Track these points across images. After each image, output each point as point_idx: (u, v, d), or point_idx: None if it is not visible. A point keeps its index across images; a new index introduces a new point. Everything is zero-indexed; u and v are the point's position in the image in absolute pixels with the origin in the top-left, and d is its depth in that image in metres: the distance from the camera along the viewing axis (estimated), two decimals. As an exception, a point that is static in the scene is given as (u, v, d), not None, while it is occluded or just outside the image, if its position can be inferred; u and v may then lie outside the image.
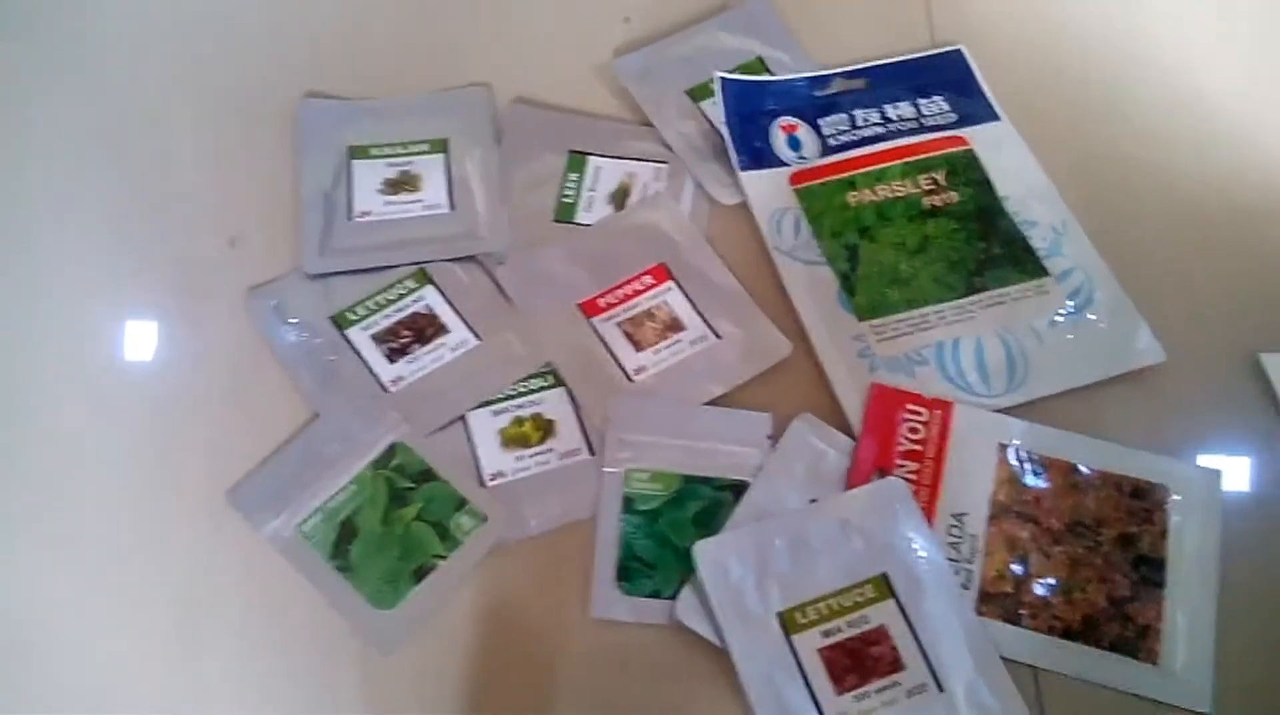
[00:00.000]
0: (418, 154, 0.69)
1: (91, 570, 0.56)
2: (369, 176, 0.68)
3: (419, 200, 0.67)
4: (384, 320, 0.63)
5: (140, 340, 0.63)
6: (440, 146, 0.70)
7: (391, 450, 0.58)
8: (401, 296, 0.64)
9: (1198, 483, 0.59)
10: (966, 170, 0.70)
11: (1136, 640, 0.55)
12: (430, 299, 0.64)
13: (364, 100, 0.72)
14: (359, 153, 0.69)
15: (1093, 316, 0.65)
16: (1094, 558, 0.57)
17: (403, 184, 0.68)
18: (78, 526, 0.57)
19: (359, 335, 0.62)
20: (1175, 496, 0.59)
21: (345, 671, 0.53)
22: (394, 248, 0.65)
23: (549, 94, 0.74)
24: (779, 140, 0.72)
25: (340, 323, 0.63)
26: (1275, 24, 0.77)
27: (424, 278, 0.65)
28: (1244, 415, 0.62)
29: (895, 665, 0.53)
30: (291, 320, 0.63)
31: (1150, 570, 0.57)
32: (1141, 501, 0.59)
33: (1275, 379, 0.63)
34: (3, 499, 0.58)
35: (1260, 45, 0.76)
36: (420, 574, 0.55)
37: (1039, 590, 0.56)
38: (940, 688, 0.53)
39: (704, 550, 0.55)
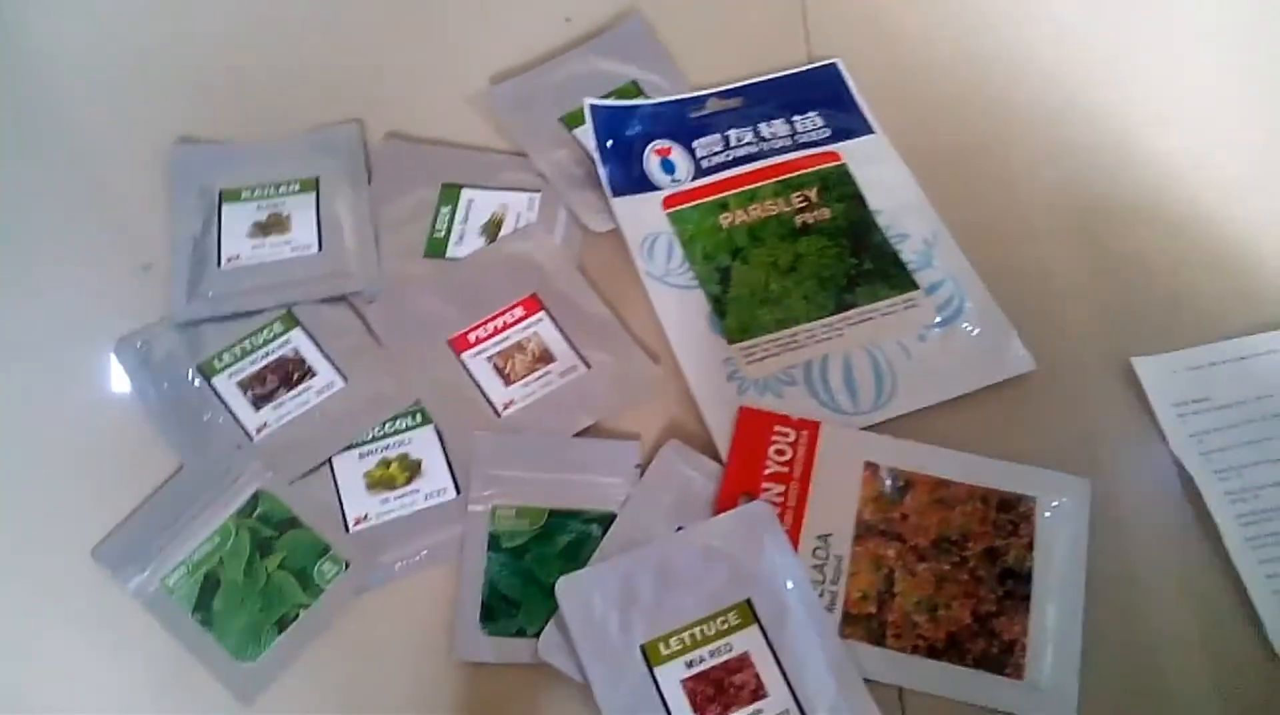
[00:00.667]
0: (288, 194, 0.69)
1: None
2: (239, 220, 0.68)
3: (288, 242, 0.67)
4: (250, 366, 0.63)
5: (3, 388, 0.63)
6: (311, 186, 0.70)
7: (255, 499, 0.58)
8: (268, 341, 0.64)
9: (1066, 492, 0.59)
10: (838, 185, 0.71)
11: (1002, 656, 0.55)
12: (298, 342, 0.64)
13: (236, 144, 0.72)
14: (229, 196, 0.69)
15: (964, 327, 0.65)
16: (960, 574, 0.57)
17: (272, 226, 0.68)
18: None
19: (225, 383, 0.62)
20: (1043, 507, 0.59)
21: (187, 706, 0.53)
22: (262, 291, 0.65)
23: (424, 127, 0.74)
24: (653, 164, 0.72)
25: (207, 371, 0.63)
26: (1144, 29, 0.77)
27: (291, 320, 0.64)
28: (1116, 421, 0.62)
29: (758, 693, 0.54)
30: (159, 369, 0.63)
31: (1016, 584, 0.57)
32: (1008, 514, 0.59)
33: (1146, 383, 0.63)
34: None
35: (1131, 48, 0.76)
36: (282, 624, 0.55)
37: (903, 609, 0.56)
38: (803, 713, 0.53)
39: (566, 586, 0.55)
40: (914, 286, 0.67)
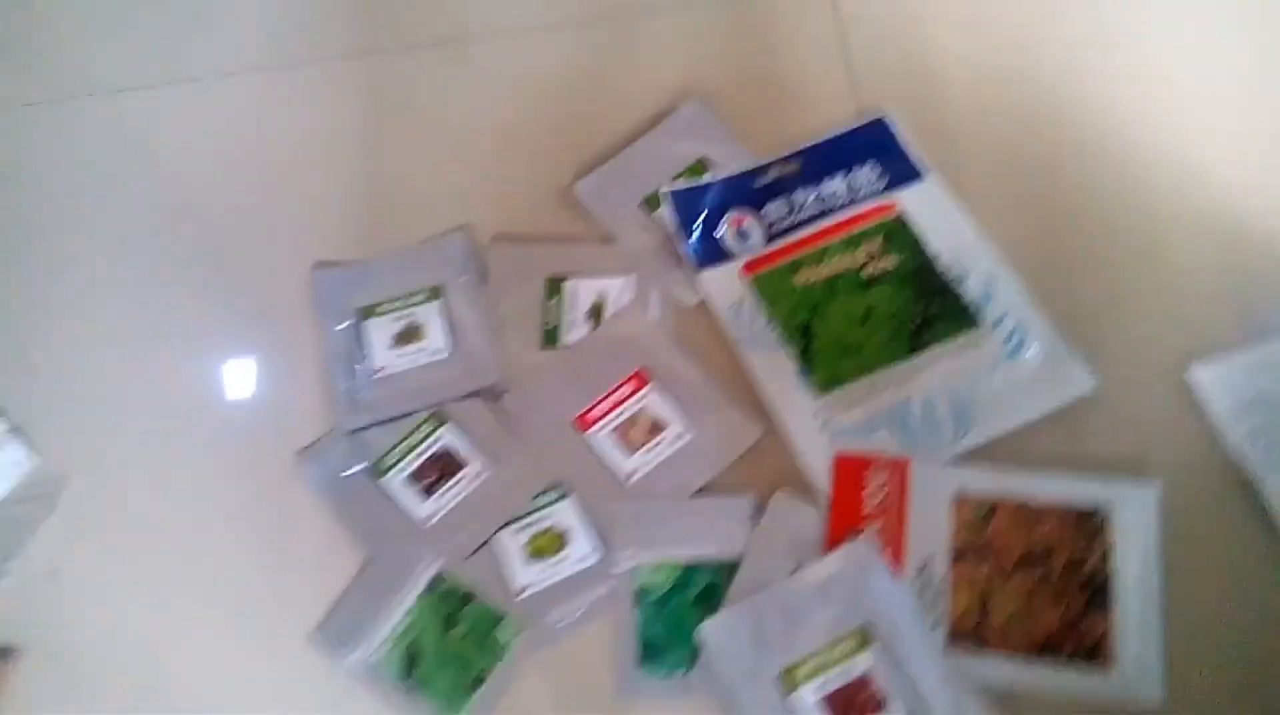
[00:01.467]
0: (417, 304, 0.79)
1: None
2: (379, 333, 0.79)
3: (423, 348, 0.78)
4: (413, 463, 0.74)
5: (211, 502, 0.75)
6: (436, 293, 0.80)
7: (437, 579, 0.69)
8: (424, 439, 0.74)
9: (1136, 498, 0.67)
10: (898, 235, 0.78)
11: (1092, 651, 0.64)
12: (447, 438, 0.74)
13: (364, 262, 0.82)
14: (368, 313, 0.79)
15: (1027, 356, 0.73)
16: (1047, 584, 0.66)
17: (409, 336, 0.78)
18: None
19: (394, 481, 0.73)
20: (1117, 515, 0.67)
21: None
22: (410, 395, 0.76)
23: (523, 225, 0.83)
24: (729, 235, 0.80)
25: (378, 473, 0.73)
26: (1187, 55, 0.83)
27: (439, 419, 0.75)
28: (1179, 427, 0.70)
29: (880, 706, 0.63)
30: (338, 474, 0.74)
31: (1098, 587, 0.65)
32: (1085, 526, 0.67)
33: (1203, 388, 0.70)
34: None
35: (1171, 75, 0.82)
36: (476, 684, 0.66)
37: (1000, 621, 0.65)
38: (920, 721, 0.62)
39: (707, 631, 0.65)
40: (977, 324, 0.74)
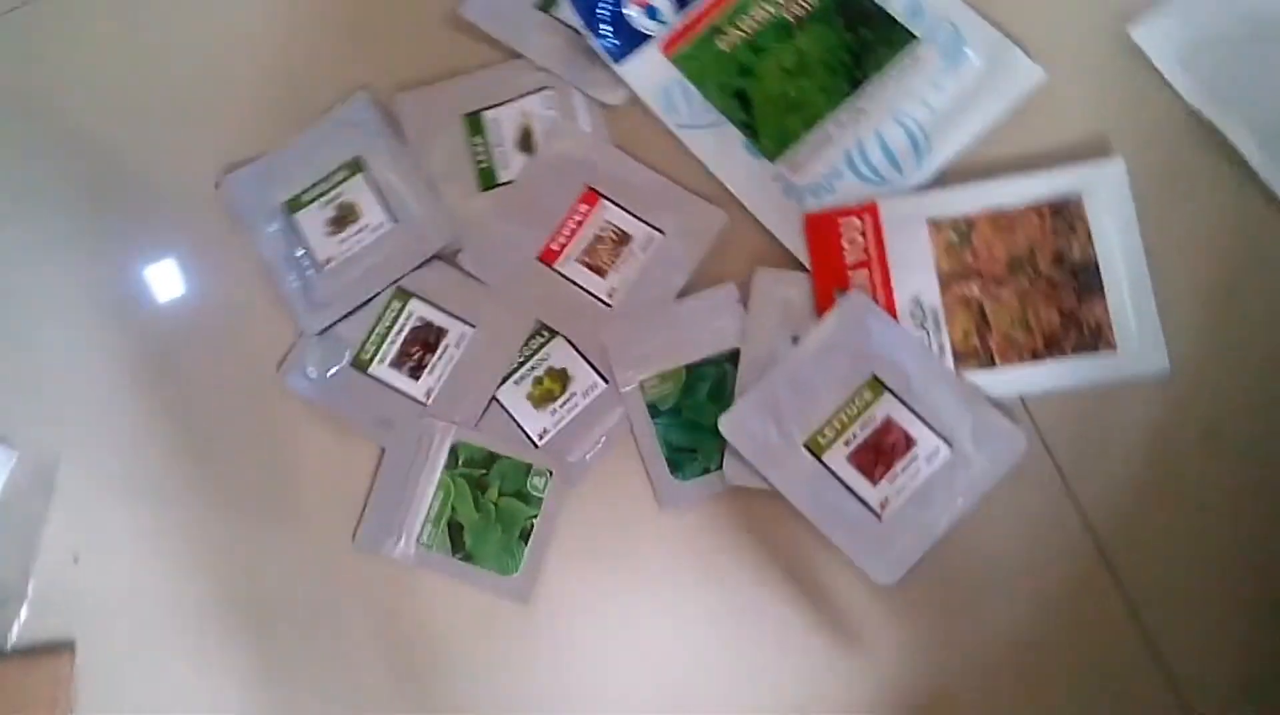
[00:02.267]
0: (341, 182, 0.75)
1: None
2: (313, 223, 0.75)
3: (364, 227, 0.74)
4: (393, 346, 0.72)
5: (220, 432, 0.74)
6: (357, 166, 0.75)
7: (455, 451, 0.69)
8: (395, 319, 0.73)
9: (1104, 179, 0.67)
10: (811, -33, 0.74)
11: (1094, 337, 0.65)
12: (419, 310, 0.72)
13: (272, 153, 0.77)
14: (294, 206, 0.76)
15: (969, 60, 0.70)
16: (1038, 284, 0.66)
17: (344, 218, 0.75)
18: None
19: (380, 369, 0.72)
20: (1089, 200, 0.66)
21: (501, 624, 0.67)
22: (366, 280, 0.73)
23: (423, 67, 0.77)
24: (636, 16, 0.75)
25: (361, 365, 0.72)
26: None
27: (404, 294, 0.73)
28: (1131, 94, 0.68)
29: (909, 444, 0.65)
30: (325, 378, 0.72)
31: (1087, 274, 0.66)
32: (1061, 217, 0.67)
33: (1149, 50, 0.68)
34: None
35: None
36: (525, 535, 0.68)
37: (1001, 332, 0.66)
38: (950, 445, 0.64)
39: (727, 423, 0.66)
40: (913, 37, 0.71)
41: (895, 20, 0.71)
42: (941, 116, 0.70)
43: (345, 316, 0.73)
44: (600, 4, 0.75)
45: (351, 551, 0.69)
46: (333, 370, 0.73)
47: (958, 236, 0.68)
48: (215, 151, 0.77)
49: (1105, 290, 0.65)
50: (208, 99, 0.79)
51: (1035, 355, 0.65)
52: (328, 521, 0.70)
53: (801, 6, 0.73)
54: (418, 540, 0.69)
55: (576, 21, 0.75)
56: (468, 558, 0.68)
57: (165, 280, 0.77)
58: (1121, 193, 0.66)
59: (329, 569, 0.70)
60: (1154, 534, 0.62)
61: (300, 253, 0.75)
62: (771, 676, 0.64)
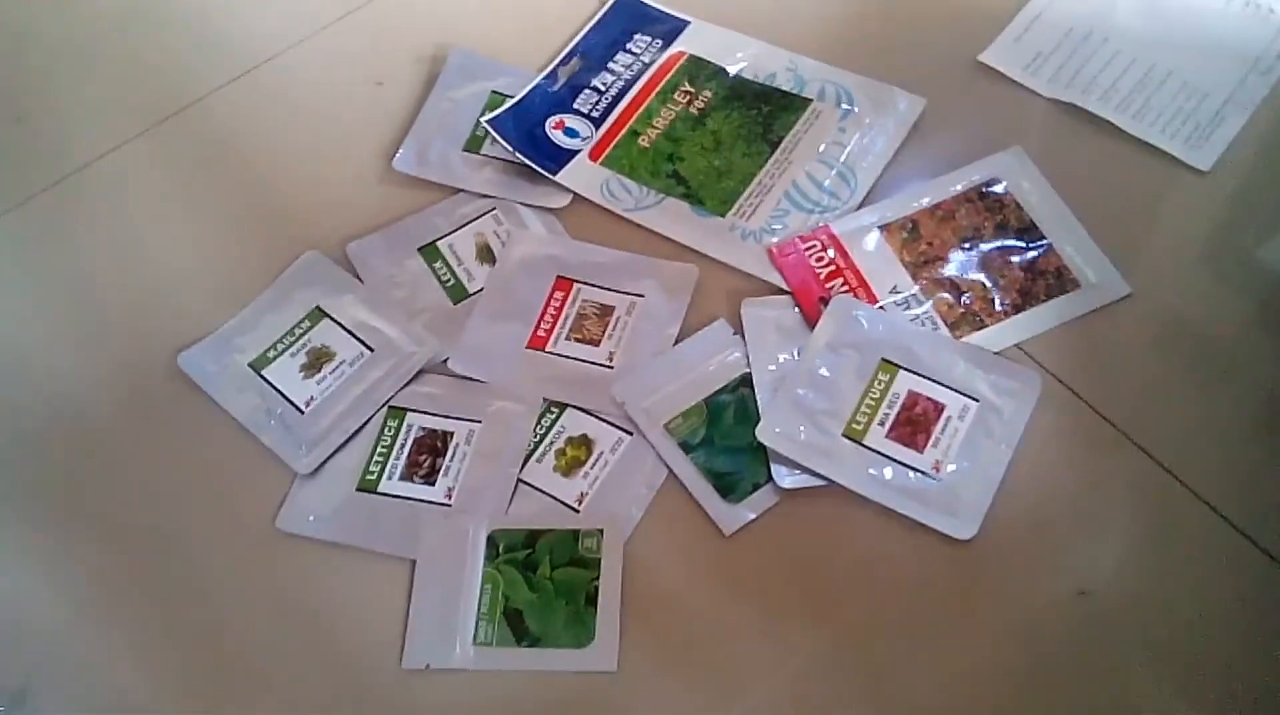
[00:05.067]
0: (305, 333, 0.74)
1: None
2: (285, 374, 0.73)
3: (341, 361, 0.73)
4: (398, 462, 0.69)
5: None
6: (319, 314, 0.75)
7: (493, 541, 0.65)
8: (395, 434, 0.70)
9: (1011, 161, 0.76)
10: (699, 71, 0.84)
11: (1059, 281, 0.71)
12: (418, 422, 0.70)
13: (222, 326, 0.76)
14: (261, 363, 0.73)
15: (858, 112, 0.80)
16: (992, 254, 0.73)
17: (318, 361, 0.73)
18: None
19: (392, 485, 0.68)
20: (1006, 179, 0.75)
21: (592, 698, 0.60)
22: (356, 408, 0.71)
23: (363, 223, 0.80)
24: (559, 138, 0.82)
25: (368, 487, 0.68)
26: None
27: (398, 412, 0.71)
28: (999, 101, 0.80)
29: (939, 409, 0.67)
30: (338, 520, 0.67)
31: (1030, 235, 0.73)
32: (990, 198, 0.75)
33: (1000, 67, 0.81)
34: None
35: None
36: (591, 600, 0.63)
37: (979, 296, 0.71)
38: (976, 399, 0.67)
39: (764, 431, 0.66)
40: (806, 102, 0.81)
41: (786, 92, 0.82)
42: (856, 151, 0.78)
43: (339, 449, 0.70)
44: (527, 132, 0.81)
45: (403, 680, 0.61)
46: (337, 502, 0.68)
47: (907, 233, 0.74)
48: (171, 340, 0.75)
49: (1051, 242, 0.72)
50: (153, 298, 0.78)
51: (1017, 308, 0.71)
52: (370, 656, 0.63)
53: (700, 101, 0.82)
54: (474, 641, 0.62)
55: (508, 147, 0.81)
56: (535, 642, 0.62)
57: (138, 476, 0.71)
58: (1028, 168, 0.76)
59: (378, 700, 0.61)
60: (1171, 414, 0.66)
61: (277, 406, 0.72)
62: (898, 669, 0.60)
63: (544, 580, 0.64)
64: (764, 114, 0.81)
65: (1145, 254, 0.72)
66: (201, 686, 0.63)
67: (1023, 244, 0.73)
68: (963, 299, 0.71)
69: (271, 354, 0.74)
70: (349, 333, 0.74)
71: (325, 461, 0.70)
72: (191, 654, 0.64)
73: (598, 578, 0.64)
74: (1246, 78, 0.78)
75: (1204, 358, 0.68)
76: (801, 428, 0.66)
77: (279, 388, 0.72)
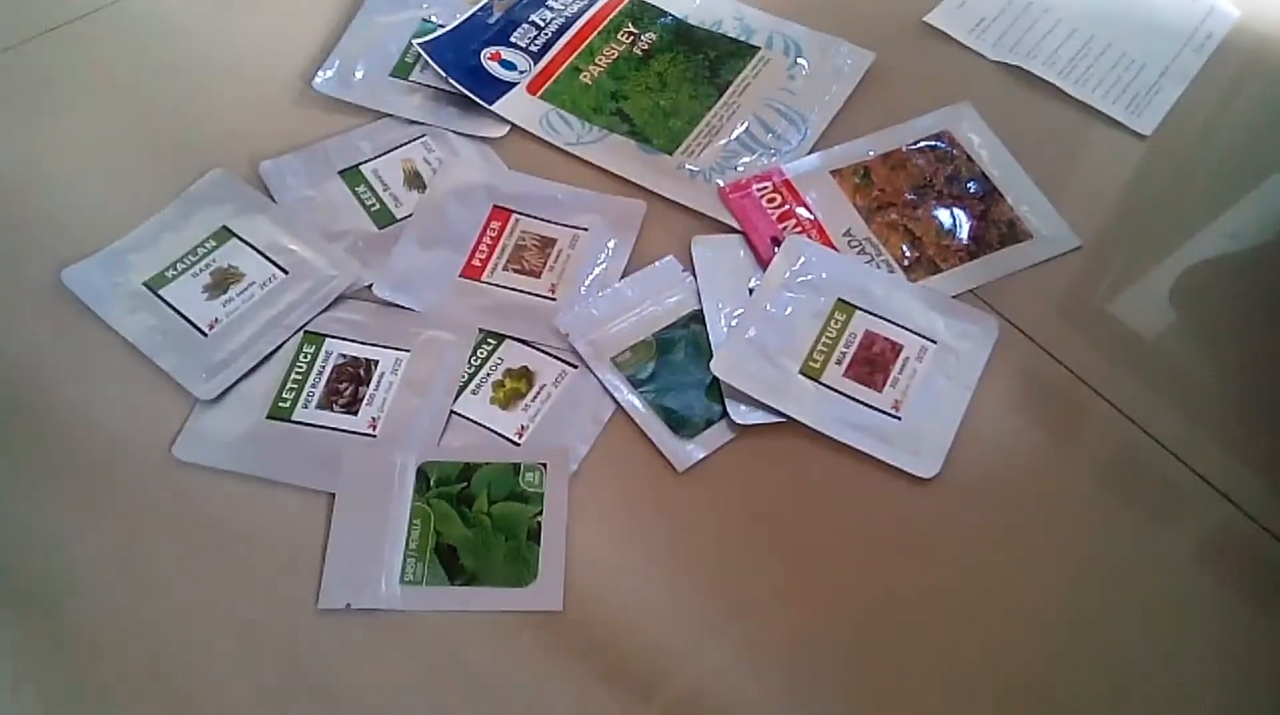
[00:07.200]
0: (209, 253, 0.67)
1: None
2: (187, 295, 0.65)
3: (250, 283, 0.66)
4: (315, 389, 0.62)
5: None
6: (226, 234, 0.68)
7: (423, 474, 0.59)
8: (311, 361, 0.63)
9: (958, 113, 0.75)
10: (644, 14, 0.81)
11: (1011, 229, 0.70)
12: (338, 349, 0.64)
13: (118, 241, 0.68)
14: (159, 283, 0.66)
15: (806, 60, 0.78)
16: (945, 201, 0.71)
17: (224, 282, 0.66)
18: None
19: (308, 414, 0.61)
20: (955, 129, 0.74)
21: (527, 644, 0.54)
22: (267, 332, 0.64)
23: (278, 142, 0.73)
24: (496, 69, 0.77)
25: (282, 416, 0.61)
26: None
27: (315, 338, 0.64)
28: (945, 59, 0.79)
29: (896, 349, 0.64)
30: (244, 444, 0.60)
31: (981, 184, 0.72)
32: (939, 150, 0.74)
33: (946, 29, 0.81)
34: None
35: None
36: (533, 536, 0.57)
37: (934, 243, 0.69)
38: (933, 341, 0.65)
39: (719, 366, 0.63)
40: (754, 49, 0.79)
41: (734, 40, 0.79)
42: (804, 98, 0.76)
43: (247, 375, 0.63)
44: (463, 60, 0.76)
45: (320, 620, 0.55)
46: (244, 430, 0.61)
47: (859, 178, 0.72)
48: (55, 258, 0.66)
49: (1002, 194, 0.72)
50: (37, 212, 0.69)
51: (971, 255, 0.69)
52: (283, 594, 0.56)
53: (644, 43, 0.79)
54: (401, 580, 0.56)
55: (438, 78, 0.75)
56: (471, 580, 0.56)
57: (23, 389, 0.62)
58: (978, 123, 0.75)
59: (292, 643, 0.54)
60: (1127, 359, 0.65)
61: (175, 326, 0.64)
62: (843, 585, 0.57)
63: (480, 515, 0.58)
64: (710, 59, 0.78)
65: (1094, 210, 0.72)
66: (88, 634, 0.54)
67: (975, 194, 0.72)
68: (917, 244, 0.69)
69: (170, 273, 0.66)
70: (260, 253, 0.67)
71: (230, 388, 0.62)
72: (85, 595, 0.55)
73: (540, 513, 0.58)
74: (1181, 53, 0.79)
75: (1155, 309, 0.68)
76: (758, 365, 0.63)
77: (178, 308, 0.65)
